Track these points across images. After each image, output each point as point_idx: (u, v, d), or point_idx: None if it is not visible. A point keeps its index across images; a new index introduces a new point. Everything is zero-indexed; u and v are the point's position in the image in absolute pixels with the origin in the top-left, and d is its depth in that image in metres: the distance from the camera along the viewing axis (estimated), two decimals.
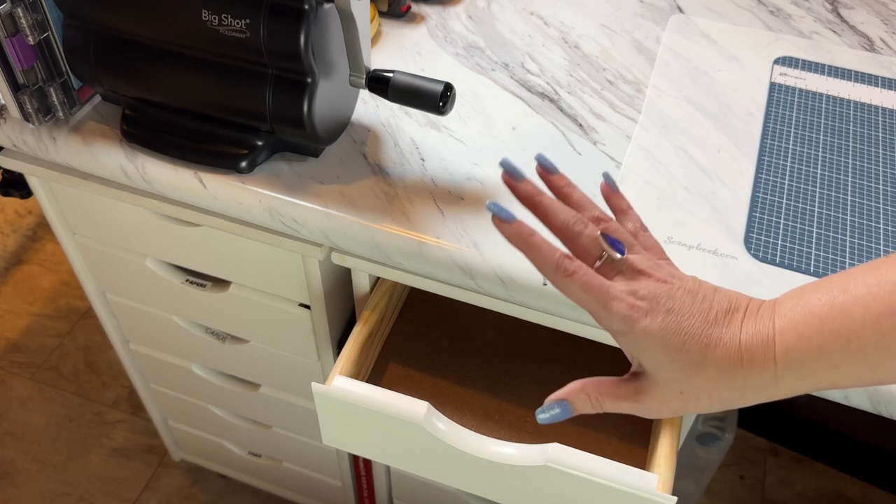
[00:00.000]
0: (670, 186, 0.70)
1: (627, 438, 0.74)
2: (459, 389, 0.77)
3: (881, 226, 0.68)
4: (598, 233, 0.46)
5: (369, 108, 0.77)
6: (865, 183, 0.71)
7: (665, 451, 0.64)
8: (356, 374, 0.72)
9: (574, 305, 0.63)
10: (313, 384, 0.65)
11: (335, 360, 0.82)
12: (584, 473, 0.60)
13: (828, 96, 0.80)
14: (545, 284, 0.63)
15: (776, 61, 0.84)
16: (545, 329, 0.82)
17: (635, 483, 0.59)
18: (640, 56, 0.84)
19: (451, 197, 0.69)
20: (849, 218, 0.68)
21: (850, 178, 0.72)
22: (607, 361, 0.80)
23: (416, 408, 0.63)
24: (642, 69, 0.83)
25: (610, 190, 0.52)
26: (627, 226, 0.51)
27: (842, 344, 0.40)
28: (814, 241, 0.66)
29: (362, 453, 0.71)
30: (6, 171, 1.36)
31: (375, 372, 0.78)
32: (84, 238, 0.90)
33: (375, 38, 0.85)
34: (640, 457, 0.72)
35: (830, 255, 0.65)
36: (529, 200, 0.48)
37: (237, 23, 0.61)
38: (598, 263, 0.46)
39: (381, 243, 0.66)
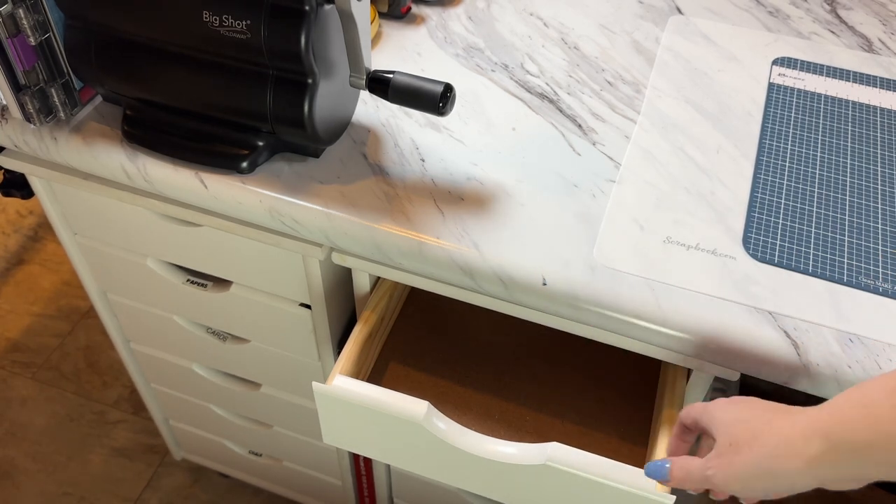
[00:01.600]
0: (669, 187, 0.70)
1: (627, 438, 0.74)
2: (459, 389, 0.77)
3: (880, 226, 0.68)
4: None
5: (369, 108, 0.77)
6: (864, 183, 0.72)
7: (664, 450, 0.64)
8: (356, 374, 0.73)
9: (572, 305, 0.63)
10: (314, 384, 0.65)
11: (335, 360, 0.82)
12: (584, 472, 0.60)
13: (826, 97, 0.80)
14: (545, 284, 0.63)
15: (775, 62, 0.84)
16: (545, 329, 0.82)
17: (634, 482, 0.59)
18: (639, 57, 0.85)
19: (451, 197, 0.69)
20: (847, 218, 0.68)
21: (848, 178, 0.72)
22: (606, 361, 0.80)
23: (416, 407, 0.63)
24: (641, 70, 0.83)
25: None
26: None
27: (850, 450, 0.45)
28: (812, 240, 0.66)
29: (363, 452, 0.71)
30: (7, 171, 1.36)
31: (375, 372, 0.78)
32: (85, 238, 0.91)
33: (375, 39, 0.86)
34: (639, 456, 0.72)
35: (829, 255, 0.65)
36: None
37: (238, 24, 0.62)
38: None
39: (381, 243, 0.67)
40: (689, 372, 0.72)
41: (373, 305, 0.76)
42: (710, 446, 0.57)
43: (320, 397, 0.66)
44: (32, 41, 0.66)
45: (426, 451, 0.66)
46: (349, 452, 1.07)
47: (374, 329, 0.76)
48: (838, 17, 0.90)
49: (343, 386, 0.66)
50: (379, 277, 0.79)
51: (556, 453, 0.61)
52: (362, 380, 0.69)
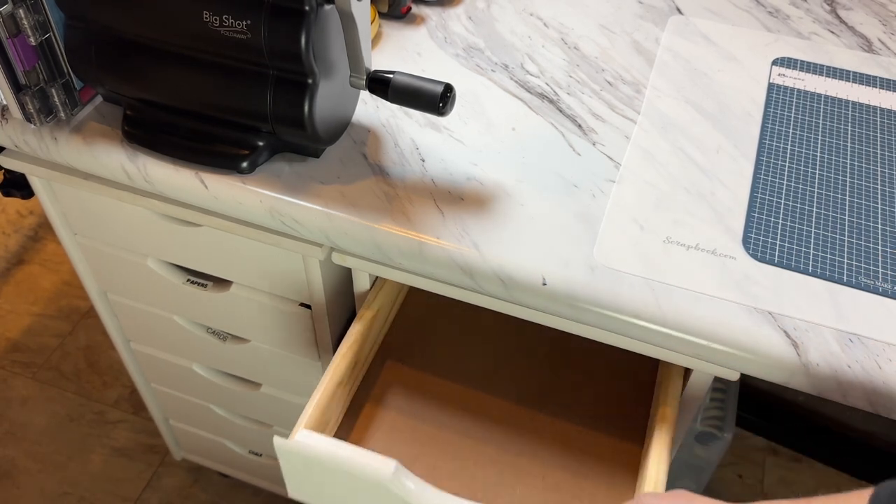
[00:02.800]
0: (669, 187, 0.70)
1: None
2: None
3: (879, 226, 0.68)
4: None
5: (369, 108, 0.77)
6: (864, 183, 0.72)
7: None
8: (324, 426, 0.69)
9: (572, 305, 0.63)
10: (275, 438, 0.61)
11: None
12: None
13: (826, 97, 0.80)
14: (545, 284, 0.63)
15: (775, 62, 0.84)
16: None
17: None
18: (639, 57, 0.85)
19: (451, 197, 0.69)
20: (847, 218, 0.68)
21: (848, 179, 0.72)
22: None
23: (382, 466, 0.59)
24: (641, 70, 0.83)
25: None
26: None
27: None
28: (812, 241, 0.66)
29: None
30: (8, 171, 1.36)
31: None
32: (85, 238, 0.91)
33: (376, 40, 0.86)
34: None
35: (829, 255, 0.65)
36: None
37: (238, 24, 0.62)
38: None
39: (382, 243, 0.67)
40: (688, 372, 0.72)
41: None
42: None
43: (282, 452, 0.62)
44: (33, 41, 0.66)
45: None
46: None
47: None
48: (838, 17, 0.91)
49: (305, 441, 0.62)
50: (379, 277, 0.79)
51: None
52: (333, 429, 0.63)
